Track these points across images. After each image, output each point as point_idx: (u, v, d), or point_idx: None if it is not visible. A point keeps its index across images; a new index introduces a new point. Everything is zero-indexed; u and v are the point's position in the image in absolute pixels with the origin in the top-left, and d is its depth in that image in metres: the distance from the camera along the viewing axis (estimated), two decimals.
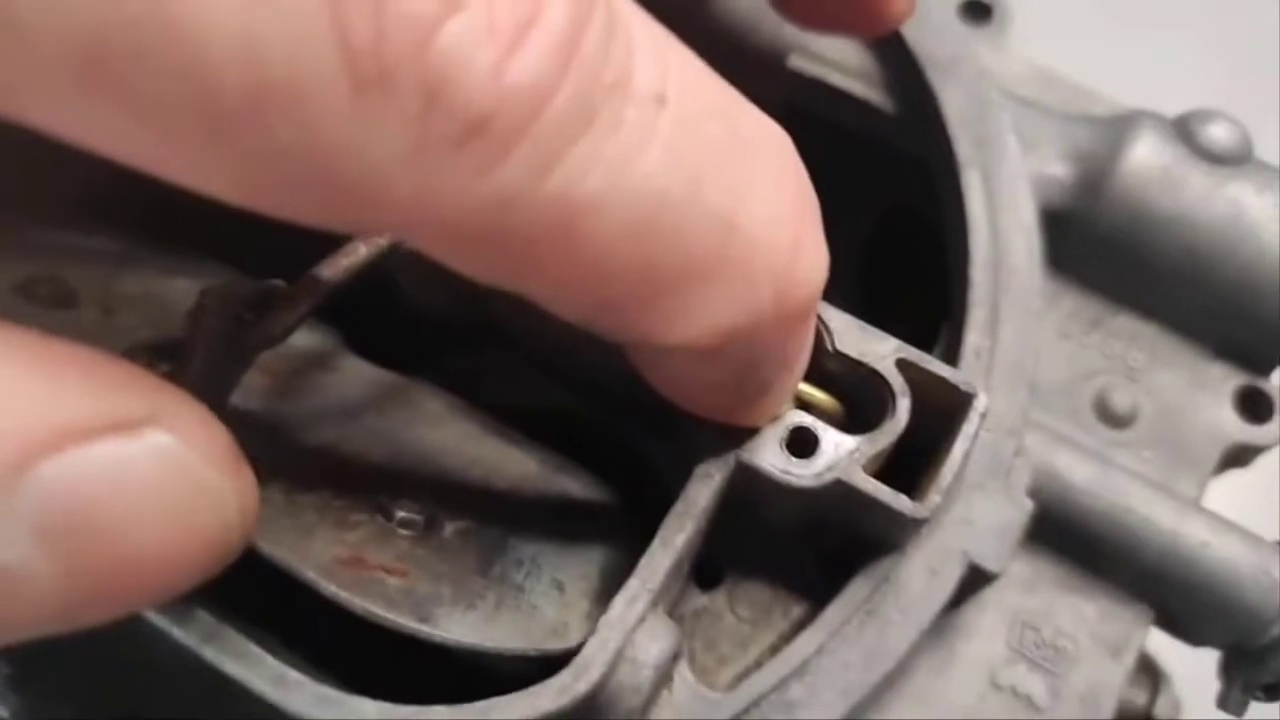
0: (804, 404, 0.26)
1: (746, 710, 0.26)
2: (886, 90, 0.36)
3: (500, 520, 0.28)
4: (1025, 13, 0.42)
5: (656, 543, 0.25)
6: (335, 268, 0.26)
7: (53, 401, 0.17)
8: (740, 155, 0.19)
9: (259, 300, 0.25)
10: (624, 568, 0.25)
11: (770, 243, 0.20)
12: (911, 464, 0.27)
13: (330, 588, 0.25)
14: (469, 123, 0.16)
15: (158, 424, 0.18)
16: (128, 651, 0.26)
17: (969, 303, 0.32)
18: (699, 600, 0.29)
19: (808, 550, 0.29)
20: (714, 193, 0.19)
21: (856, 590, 0.28)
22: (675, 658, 0.26)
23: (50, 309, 0.28)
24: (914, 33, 0.35)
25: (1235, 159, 0.34)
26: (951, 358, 0.31)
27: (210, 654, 0.23)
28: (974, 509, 0.29)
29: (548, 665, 0.24)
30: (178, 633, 0.23)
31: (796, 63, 0.36)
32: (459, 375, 0.32)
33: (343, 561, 0.26)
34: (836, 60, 0.36)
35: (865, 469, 0.26)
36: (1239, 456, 0.35)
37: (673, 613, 0.29)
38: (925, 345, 0.27)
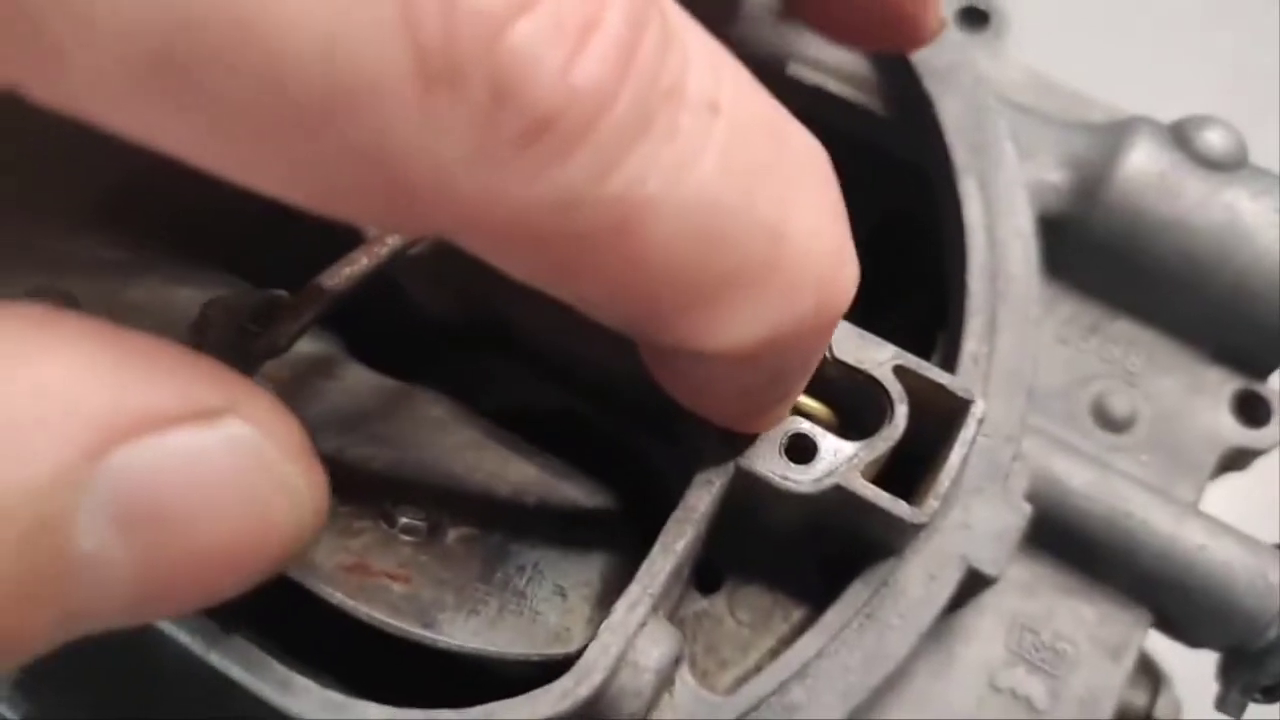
0: (799, 411, 0.26)
1: (747, 713, 0.27)
2: (884, 97, 0.36)
3: (502, 527, 0.29)
4: (1022, 19, 0.42)
5: (657, 548, 0.25)
6: (338, 277, 0.26)
7: (130, 388, 0.17)
8: (788, 166, 0.20)
9: (263, 310, 0.25)
10: (625, 573, 0.26)
11: (816, 253, 0.20)
12: (910, 470, 0.27)
13: (336, 594, 0.25)
14: (535, 121, 0.16)
15: (236, 414, 0.18)
16: (135, 657, 0.26)
17: (966, 309, 0.32)
18: (699, 604, 0.30)
19: (807, 555, 0.29)
20: (764, 201, 0.19)
21: (856, 594, 0.28)
22: (676, 661, 0.26)
23: None
24: None
25: (1231, 164, 0.34)
26: (949, 364, 0.31)
27: (217, 659, 0.23)
28: (972, 514, 0.29)
29: (550, 670, 0.25)
30: (184, 638, 0.24)
31: (795, 70, 0.36)
32: (460, 380, 0.33)
33: (347, 568, 0.26)
34: (835, 67, 0.36)
35: (864, 475, 0.26)
36: (1237, 460, 0.35)
37: (673, 617, 0.29)
38: (922, 352, 0.27)
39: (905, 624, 0.28)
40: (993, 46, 0.39)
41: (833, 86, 0.36)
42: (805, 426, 0.26)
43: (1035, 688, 0.30)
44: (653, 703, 0.26)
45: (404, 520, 0.28)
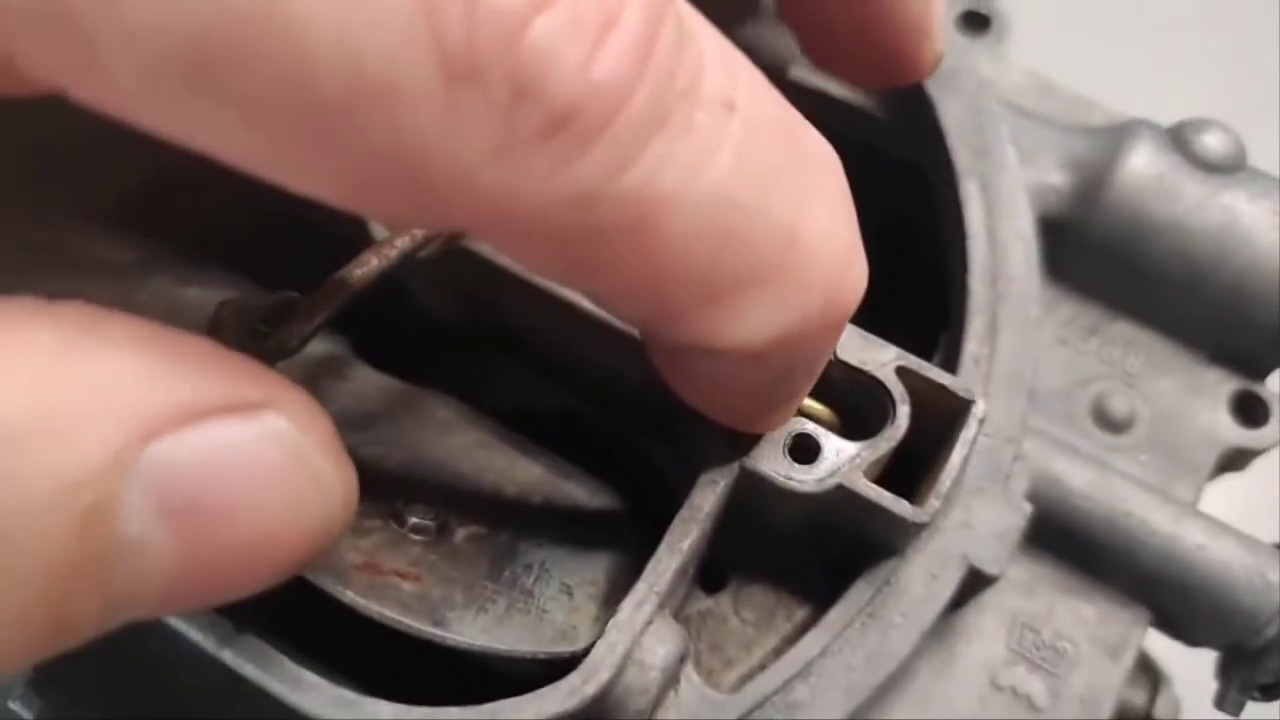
0: (802, 413, 0.27)
1: (751, 711, 0.27)
2: (885, 101, 0.37)
3: (510, 526, 0.29)
4: (1023, 23, 0.42)
5: (663, 547, 0.26)
6: (349, 278, 0.26)
7: (172, 381, 0.17)
8: (802, 166, 0.20)
9: (274, 312, 0.25)
10: (631, 572, 0.26)
11: (827, 253, 0.20)
12: (912, 470, 0.28)
13: (347, 593, 0.26)
14: (555, 117, 0.16)
15: (274, 409, 0.18)
16: (148, 655, 0.26)
17: (968, 311, 0.32)
18: (704, 603, 0.30)
19: (811, 554, 0.30)
20: (779, 201, 0.19)
21: (858, 593, 0.28)
22: (682, 660, 0.26)
23: None
24: None
25: (1229, 167, 0.35)
26: (950, 365, 0.31)
27: (229, 657, 0.24)
28: (973, 513, 0.29)
29: (557, 668, 0.25)
30: (197, 636, 0.24)
31: (797, 74, 0.37)
32: (465, 380, 0.33)
33: (357, 567, 0.26)
34: None
35: (866, 475, 0.26)
36: (1235, 460, 0.35)
37: (679, 616, 0.29)
38: (923, 353, 0.27)
39: (907, 623, 0.28)
40: (994, 50, 0.39)
41: (834, 90, 0.37)
42: (809, 427, 0.26)
43: (1035, 686, 0.31)
44: (658, 701, 0.26)
45: (413, 520, 0.28)
